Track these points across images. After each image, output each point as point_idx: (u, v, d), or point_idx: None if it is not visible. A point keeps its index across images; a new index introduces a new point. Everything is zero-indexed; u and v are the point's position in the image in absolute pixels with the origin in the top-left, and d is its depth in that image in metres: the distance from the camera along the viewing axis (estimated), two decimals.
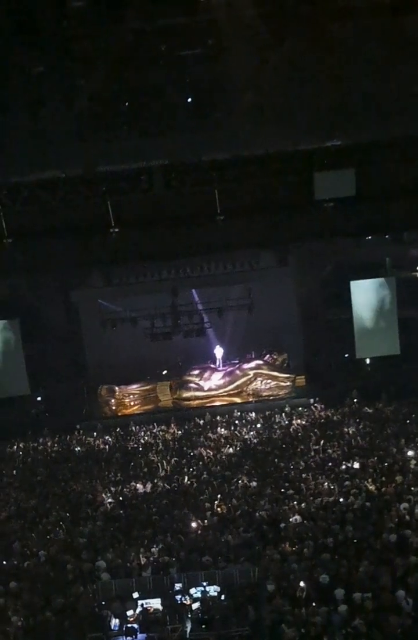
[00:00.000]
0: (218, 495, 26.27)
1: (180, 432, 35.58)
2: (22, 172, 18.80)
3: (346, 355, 38.32)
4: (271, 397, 39.48)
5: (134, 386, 41.40)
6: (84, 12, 13.57)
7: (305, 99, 17.12)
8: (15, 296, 39.42)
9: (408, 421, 32.53)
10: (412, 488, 24.77)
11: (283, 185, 19.90)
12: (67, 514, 26.62)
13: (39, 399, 40.72)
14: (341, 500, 24.54)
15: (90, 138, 17.79)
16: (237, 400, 39.79)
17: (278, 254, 40.58)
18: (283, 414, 35.80)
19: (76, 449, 35.16)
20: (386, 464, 27.39)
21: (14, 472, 32.77)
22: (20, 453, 35.52)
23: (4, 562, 23.17)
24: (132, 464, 31.72)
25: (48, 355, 39.88)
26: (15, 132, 16.87)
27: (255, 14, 14.27)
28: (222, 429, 34.82)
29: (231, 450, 31.80)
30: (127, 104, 17.07)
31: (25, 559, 23.20)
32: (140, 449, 33.93)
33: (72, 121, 16.92)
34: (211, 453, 31.61)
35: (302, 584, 19.30)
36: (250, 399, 39.59)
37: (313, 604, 18.53)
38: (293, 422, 34.76)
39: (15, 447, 36.30)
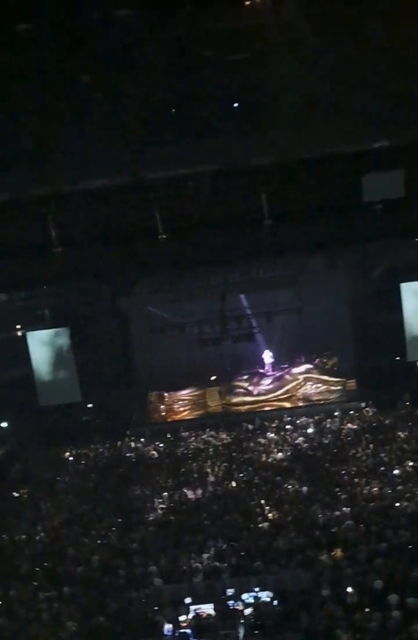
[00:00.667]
0: (269, 501, 26.19)
1: (229, 437, 35.51)
2: (71, 181, 18.99)
3: (397, 359, 37.82)
4: (321, 402, 39.12)
5: (183, 392, 41.40)
6: (130, 21, 13.67)
7: (353, 101, 17.01)
8: (65, 304, 39.79)
9: None
10: None
11: (331, 188, 19.78)
12: (119, 520, 26.78)
13: (89, 406, 40.97)
14: (394, 504, 24.29)
15: (138, 145, 17.89)
16: (287, 405, 39.54)
17: (328, 257, 40.27)
18: (334, 418, 35.51)
19: (127, 455, 35.32)
20: None
21: (67, 478, 33.04)
22: (72, 459, 35.80)
23: (58, 568, 23.40)
24: (182, 469, 31.77)
25: (98, 363, 40.16)
26: (63, 141, 17.05)
27: (301, 17, 14.23)
28: (272, 434, 34.65)
29: (281, 455, 31.65)
30: (174, 110, 17.14)
31: (78, 565, 23.40)
32: (190, 454, 33.95)
33: (119, 129, 17.04)
34: (261, 458, 31.51)
35: (354, 589, 19.17)
36: (300, 404, 39.30)
37: (367, 610, 18.38)
38: (344, 426, 34.47)
39: (67, 454, 36.60)
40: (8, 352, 40.00)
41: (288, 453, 31.75)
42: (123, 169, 18.81)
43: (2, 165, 18.00)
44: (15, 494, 31.61)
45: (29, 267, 22.47)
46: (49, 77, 14.75)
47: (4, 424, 38.79)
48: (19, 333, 41.75)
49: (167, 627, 19.62)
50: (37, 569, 23.62)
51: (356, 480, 27.11)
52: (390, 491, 25.43)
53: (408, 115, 17.69)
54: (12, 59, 14.21)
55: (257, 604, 19.88)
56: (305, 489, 27.06)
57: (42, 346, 36.90)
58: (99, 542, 25.14)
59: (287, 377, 40.27)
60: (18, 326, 42.18)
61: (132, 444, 36.62)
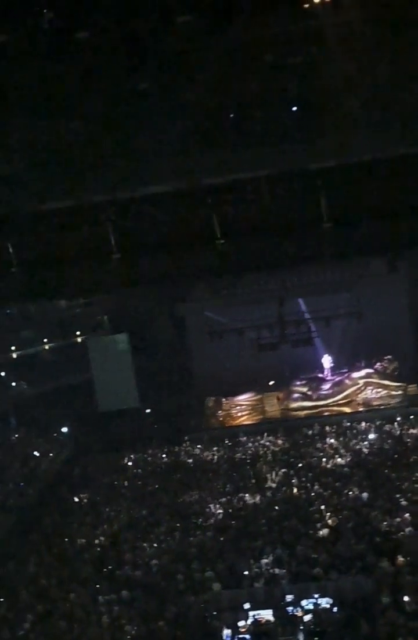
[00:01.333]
0: (329, 507, 26.01)
1: (288, 442, 35.37)
2: (131, 188, 19.11)
3: None
4: (382, 407, 38.76)
5: (241, 397, 41.40)
6: (187, 27, 13.70)
7: (413, 102, 16.79)
8: (124, 310, 40.17)
9: None
10: None
11: (391, 190, 19.52)
12: (178, 524, 26.87)
13: (148, 411, 41.24)
14: None
15: (196, 151, 17.92)
16: (347, 410, 39.27)
17: (388, 261, 39.83)
18: (394, 424, 35.10)
19: (185, 460, 35.44)
20: None
21: (126, 483, 33.29)
22: (131, 464, 36.05)
23: (117, 572, 23.57)
24: (241, 475, 31.74)
25: (156, 368, 40.42)
26: (122, 148, 17.17)
27: (360, 19, 14.09)
28: (332, 439, 34.41)
29: (341, 460, 31.40)
30: (231, 115, 17.12)
31: (137, 569, 23.54)
32: (248, 460, 33.91)
33: (177, 135, 17.09)
34: (320, 463, 31.31)
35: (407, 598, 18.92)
36: (360, 409, 38.98)
37: None
38: (405, 431, 34.04)
39: (126, 459, 36.87)
40: (68, 358, 40.61)
41: (348, 459, 31.49)
42: (181, 174, 18.87)
43: (63, 172, 18.22)
44: (76, 499, 31.96)
45: (88, 273, 22.68)
46: (108, 83, 14.89)
47: (64, 429, 39.29)
48: (79, 339, 42.34)
49: (226, 632, 19.61)
50: (97, 572, 23.83)
51: (417, 486, 26.74)
52: None
53: None
54: (72, 66, 14.37)
55: (317, 611, 19.74)
56: (365, 495, 26.80)
57: (101, 352, 37.35)
58: (157, 546, 25.25)
59: (347, 381, 39.98)
60: (78, 333, 42.77)
61: (191, 449, 36.75)
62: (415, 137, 17.49)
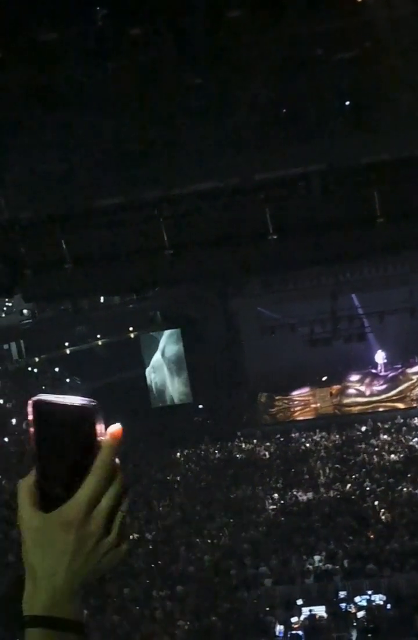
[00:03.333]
0: (382, 503, 25.84)
1: (341, 439, 35.22)
2: (182, 183, 19.19)
3: None
4: None
5: (294, 393, 41.30)
6: (239, 22, 13.71)
7: None
8: (177, 306, 40.33)
9: None
10: None
11: None
12: (230, 520, 26.93)
13: (200, 407, 41.38)
14: None
15: (248, 146, 17.92)
16: (400, 406, 38.93)
17: None
18: None
19: (237, 456, 35.50)
20: None
21: (178, 478, 33.46)
22: (184, 460, 36.22)
23: (171, 567, 23.71)
24: (293, 470, 31.71)
25: (209, 364, 40.49)
26: (174, 145, 17.26)
27: (412, 12, 13.95)
28: (385, 436, 34.20)
29: (395, 457, 31.18)
30: (284, 110, 17.09)
31: (190, 564, 23.65)
32: (301, 455, 33.84)
33: (229, 131, 17.11)
34: (374, 460, 31.11)
35: None
36: (414, 405, 38.61)
37: None
38: None
39: (178, 454, 37.05)
40: (121, 354, 40.87)
41: (402, 455, 31.25)
42: (233, 170, 18.89)
43: (116, 169, 18.39)
44: (129, 493, 32.14)
45: (141, 269, 22.83)
46: (160, 79, 14.98)
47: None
48: (132, 335, 42.62)
49: (279, 628, 19.60)
50: (151, 567, 23.99)
51: None
52: None
53: None
54: (125, 64, 14.48)
55: (370, 607, 19.64)
56: None
57: (154, 348, 37.56)
58: (210, 542, 25.34)
59: (400, 377, 39.63)
60: (131, 328, 43.05)
61: (243, 445, 36.81)
62: None
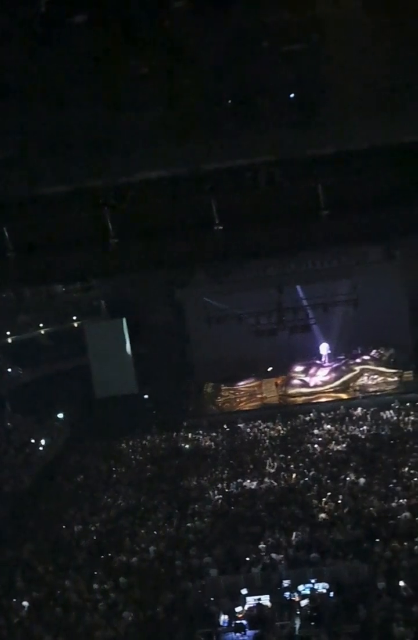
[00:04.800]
0: (326, 492, 26.09)
1: (286, 429, 35.46)
2: (128, 172, 19.05)
3: None
4: (378, 393, 38.89)
5: (240, 383, 41.49)
6: (187, 11, 13.63)
7: (412, 91, 16.74)
8: (121, 296, 40.09)
9: None
10: None
11: (389, 178, 19.49)
12: (175, 511, 26.92)
13: (145, 396, 41.26)
14: None
15: (195, 136, 17.86)
16: (344, 396, 39.38)
17: (386, 248, 39.88)
18: (390, 410, 35.21)
19: (183, 446, 35.49)
20: None
21: (123, 469, 33.34)
22: (129, 450, 36.09)
23: (114, 558, 23.61)
24: (239, 460, 31.82)
25: (154, 354, 40.37)
26: (121, 133, 17.10)
27: (360, 5, 14.02)
28: (329, 426, 34.52)
29: (338, 446, 31.51)
30: (230, 101, 17.04)
31: (134, 555, 23.58)
32: (247, 446, 33.98)
33: (176, 120, 17.02)
34: (318, 449, 31.40)
35: (402, 583, 19.01)
36: (357, 395, 39.08)
37: None
38: (401, 417, 34.16)
39: (123, 444, 36.91)
40: (65, 343, 40.52)
41: (345, 445, 31.60)
42: (180, 160, 18.82)
43: (60, 156, 18.16)
44: (72, 485, 31.97)
45: (85, 258, 22.65)
46: (105, 68, 14.80)
47: (61, 415, 39.27)
48: (76, 324, 42.26)
49: (223, 618, 19.70)
50: (94, 559, 23.86)
51: (413, 471, 26.86)
52: None
53: None
54: (69, 50, 14.28)
55: (314, 596, 19.84)
56: (362, 480, 26.91)
57: (98, 337, 37.26)
58: (155, 532, 25.31)
59: (344, 368, 40.10)
60: (74, 317, 42.68)
61: (189, 436, 36.80)
62: (413, 125, 17.46)
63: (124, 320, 37.69)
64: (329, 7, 13.83)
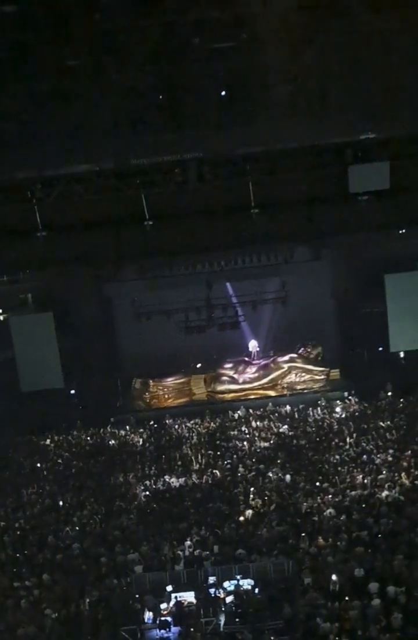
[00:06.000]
0: (253, 489, 26.24)
1: (214, 425, 35.57)
2: (56, 165, 18.85)
3: (380, 349, 37.98)
4: (305, 391, 39.39)
5: (168, 379, 41.44)
6: (117, 5, 13.52)
7: (340, 92, 16.96)
8: (49, 289, 39.60)
9: None
10: None
11: (317, 178, 19.76)
12: (101, 507, 26.74)
13: (72, 392, 40.88)
14: (375, 493, 24.40)
15: (124, 131, 17.76)
16: (272, 393, 39.72)
17: (313, 248, 40.41)
18: (317, 408, 35.66)
19: (110, 442, 35.29)
20: None
21: (48, 465, 32.96)
22: (54, 446, 35.72)
23: (38, 555, 23.30)
24: (166, 457, 31.77)
25: (82, 349, 40.03)
26: (49, 125, 16.89)
27: (290, 6, 14.11)
28: (257, 422, 34.74)
29: (265, 443, 31.74)
30: (160, 97, 17.00)
31: (58, 552, 23.32)
32: (174, 442, 33.97)
33: (106, 114, 16.89)
34: (245, 446, 31.56)
35: (335, 577, 19.23)
36: (285, 393, 39.49)
37: (347, 598, 18.45)
38: (328, 415, 34.63)
39: (49, 440, 36.52)
40: None
41: (272, 441, 31.84)
42: (109, 154, 18.69)
43: None
44: None
45: (12, 251, 22.35)
46: (35, 60, 14.59)
47: None
48: (1, 317, 41.54)
49: (148, 614, 19.64)
50: (17, 556, 23.51)
51: (338, 468, 27.21)
52: (371, 480, 25.51)
53: (394, 107, 17.69)
54: None
55: (239, 592, 19.92)
56: (288, 477, 27.13)
57: (24, 331, 36.64)
58: (80, 529, 25.07)
59: (272, 365, 40.41)
60: (0, 310, 41.96)
61: (116, 431, 36.60)
62: (340, 127, 17.70)
63: (51, 313, 37.18)
64: (259, 5, 13.88)
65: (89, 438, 36.28)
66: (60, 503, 27.77)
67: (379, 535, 21.36)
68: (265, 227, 20.53)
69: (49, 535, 24.52)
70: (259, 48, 15.05)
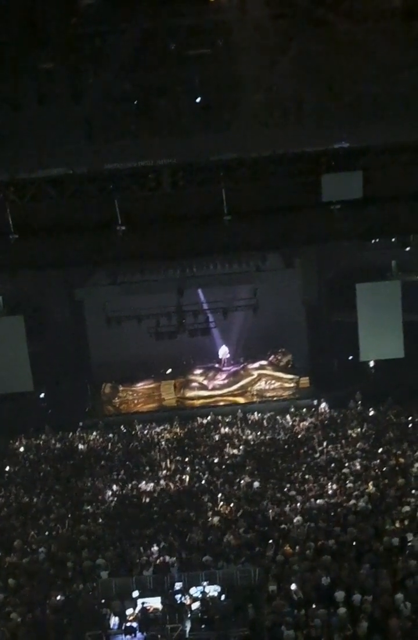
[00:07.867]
0: (221, 495, 26.29)
1: (183, 431, 35.58)
2: (30, 168, 18.79)
3: (350, 358, 38.21)
4: (275, 398, 39.46)
5: (138, 385, 41.33)
6: (93, 10, 13.55)
7: (314, 101, 17.09)
8: (20, 293, 39.39)
9: (410, 425, 32.50)
10: (413, 491, 24.79)
11: (290, 186, 19.83)
12: (69, 512, 26.64)
13: (42, 395, 40.69)
14: (343, 502, 24.54)
15: (98, 136, 17.77)
16: (241, 400, 39.77)
17: (285, 256, 40.58)
18: (286, 415, 35.78)
19: (79, 447, 35.15)
20: (388, 466, 27.39)
21: (16, 468, 32.77)
22: (23, 449, 35.52)
23: (4, 559, 23.16)
24: (135, 462, 31.73)
25: (52, 353, 39.85)
26: (23, 128, 16.85)
27: (264, 15, 14.22)
28: (226, 429, 34.80)
29: (234, 450, 31.80)
30: (135, 102, 17.03)
31: (25, 556, 23.20)
32: (143, 447, 33.92)
33: (80, 119, 16.89)
34: (214, 453, 31.60)
35: (294, 586, 19.31)
36: (254, 400, 39.56)
37: (313, 606, 18.54)
38: (297, 423, 34.76)
39: (17, 443, 36.31)
40: None
41: (241, 448, 31.91)
42: (82, 158, 18.68)
43: None
44: None
45: None
46: (9, 63, 14.58)
47: None
48: None
49: (114, 620, 19.60)
50: None
51: (306, 476, 27.34)
52: (339, 488, 25.67)
53: (367, 117, 17.84)
54: None
55: (205, 598, 19.95)
56: (256, 484, 27.21)
57: None
58: (47, 533, 24.96)
59: (242, 372, 40.46)
60: None
61: (85, 436, 36.49)
62: (313, 135, 17.82)
63: (21, 317, 36.98)
64: (235, 14, 13.98)
65: (57, 442, 36.12)
66: (28, 507, 27.63)
67: (346, 544, 21.49)
68: (238, 235, 20.59)
69: (15, 539, 24.38)
70: (234, 56, 15.15)
